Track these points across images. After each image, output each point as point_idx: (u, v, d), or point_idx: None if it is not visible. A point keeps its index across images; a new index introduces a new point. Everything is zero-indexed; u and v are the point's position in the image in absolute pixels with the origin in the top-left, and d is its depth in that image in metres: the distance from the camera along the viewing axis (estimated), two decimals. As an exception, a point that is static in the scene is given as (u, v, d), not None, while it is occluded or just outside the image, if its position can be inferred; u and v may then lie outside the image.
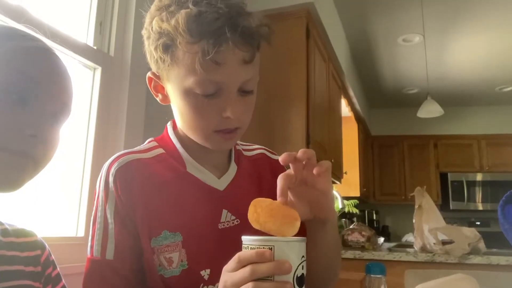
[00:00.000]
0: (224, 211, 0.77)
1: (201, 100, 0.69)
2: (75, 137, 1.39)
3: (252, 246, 0.55)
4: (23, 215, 1.19)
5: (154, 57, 0.72)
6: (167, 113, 1.81)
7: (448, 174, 5.26)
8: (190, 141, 0.78)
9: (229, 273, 0.55)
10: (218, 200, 0.77)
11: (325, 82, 2.84)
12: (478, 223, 5.11)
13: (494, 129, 5.32)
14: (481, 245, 2.22)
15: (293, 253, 0.53)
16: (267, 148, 0.95)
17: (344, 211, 4.09)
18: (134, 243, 0.72)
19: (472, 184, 5.20)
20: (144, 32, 0.75)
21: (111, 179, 0.72)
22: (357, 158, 4.49)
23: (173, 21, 0.66)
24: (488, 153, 5.26)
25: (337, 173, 3.29)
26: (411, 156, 5.43)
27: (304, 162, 0.64)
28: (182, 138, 0.80)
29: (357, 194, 4.43)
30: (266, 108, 2.31)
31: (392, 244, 3.45)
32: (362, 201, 4.77)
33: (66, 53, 1.34)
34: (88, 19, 1.48)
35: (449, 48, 3.97)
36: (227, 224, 0.77)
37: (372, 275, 0.70)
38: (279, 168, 0.83)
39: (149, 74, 0.77)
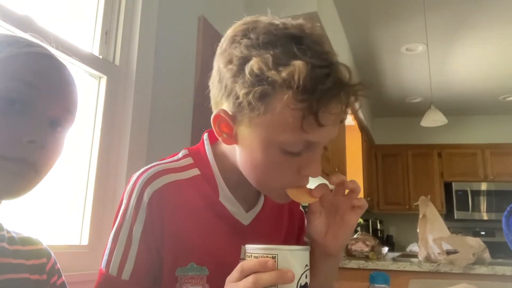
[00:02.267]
0: (243, 248, 0.70)
1: (284, 156, 0.64)
2: (80, 145, 1.40)
3: (256, 255, 0.55)
4: (27, 223, 1.20)
5: (238, 98, 0.63)
6: (171, 123, 1.83)
7: (453, 183, 5.23)
8: (228, 166, 0.73)
9: (232, 283, 0.55)
10: (241, 235, 0.74)
11: (328, 91, 2.84)
12: (483, 233, 5.07)
13: (498, 138, 5.30)
14: (486, 255, 2.20)
15: (296, 261, 0.53)
16: None
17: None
18: (153, 268, 0.69)
19: (476, 193, 5.17)
20: (223, 63, 0.68)
21: (145, 199, 0.69)
22: (360, 167, 4.49)
23: (284, 73, 0.58)
24: (492, 162, 5.24)
25: (341, 182, 3.29)
26: (415, 165, 5.41)
27: (347, 191, 0.67)
28: (219, 158, 0.75)
29: (361, 204, 4.41)
30: (270, 117, 2.31)
31: (396, 254, 3.42)
32: (366, 211, 4.70)
33: (71, 62, 1.35)
34: (94, 28, 1.49)
35: (452, 57, 3.97)
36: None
37: (376, 285, 0.70)
38: (296, 207, 0.87)
39: (220, 112, 0.68)
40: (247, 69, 0.61)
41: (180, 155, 0.78)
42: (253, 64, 0.60)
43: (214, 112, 0.70)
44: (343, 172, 3.41)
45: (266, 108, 0.61)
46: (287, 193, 0.66)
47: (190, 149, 0.79)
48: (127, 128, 1.49)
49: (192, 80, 1.91)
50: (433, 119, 3.53)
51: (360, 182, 4.42)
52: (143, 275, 0.69)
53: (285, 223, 0.85)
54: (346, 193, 0.71)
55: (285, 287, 0.52)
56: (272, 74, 0.59)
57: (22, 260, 0.62)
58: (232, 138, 0.68)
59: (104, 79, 1.47)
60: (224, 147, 0.74)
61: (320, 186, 0.68)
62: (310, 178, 0.69)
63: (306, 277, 0.54)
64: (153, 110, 1.61)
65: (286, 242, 0.83)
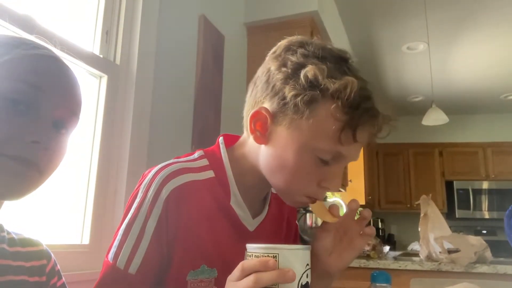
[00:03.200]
0: (246, 253, 0.75)
1: (314, 162, 0.67)
2: (81, 144, 1.40)
3: (256, 254, 0.55)
4: (29, 222, 1.20)
5: (284, 99, 0.66)
6: (172, 122, 1.83)
7: (454, 182, 5.23)
8: (243, 170, 0.76)
9: (233, 282, 0.55)
10: (246, 240, 0.73)
11: (329, 90, 2.84)
12: (484, 231, 5.06)
13: (500, 137, 5.29)
14: (488, 254, 2.20)
15: (297, 261, 0.53)
16: None
17: (349, 219, 4.07)
18: (160, 267, 0.69)
19: (478, 192, 5.17)
20: (275, 66, 0.71)
21: (164, 195, 0.69)
22: (362, 166, 4.49)
23: (337, 84, 0.63)
24: (494, 161, 5.23)
25: (342, 181, 3.28)
26: (416, 164, 5.41)
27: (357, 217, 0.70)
28: (235, 161, 0.77)
29: (362, 203, 4.41)
30: (271, 116, 2.31)
31: (397, 253, 3.42)
32: (367, 209, 4.74)
33: (72, 61, 1.35)
34: (94, 27, 1.49)
35: (453, 56, 3.97)
36: None
37: (377, 284, 0.69)
38: (293, 218, 0.92)
39: (261, 110, 0.70)
40: (302, 73, 0.65)
41: (196, 155, 0.79)
42: (309, 70, 0.65)
43: (255, 108, 0.72)
44: (344, 171, 3.41)
45: (310, 113, 0.65)
46: (311, 208, 0.69)
47: (205, 150, 0.80)
48: (127, 127, 1.49)
49: (193, 79, 1.91)
50: (435, 118, 3.53)
51: (361, 181, 4.43)
52: (150, 271, 0.68)
53: (284, 232, 0.88)
54: (356, 218, 0.74)
55: (286, 287, 0.52)
56: (326, 82, 0.64)
57: (21, 262, 0.62)
58: (265, 138, 0.71)
59: (104, 78, 1.47)
60: (243, 149, 0.77)
61: (336, 207, 0.70)
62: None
63: (307, 277, 0.54)
64: (153, 109, 1.61)
65: None
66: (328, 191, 0.71)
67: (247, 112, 0.74)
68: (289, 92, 0.66)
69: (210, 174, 0.75)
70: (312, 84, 0.64)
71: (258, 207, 0.80)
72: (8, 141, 0.52)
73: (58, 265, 0.71)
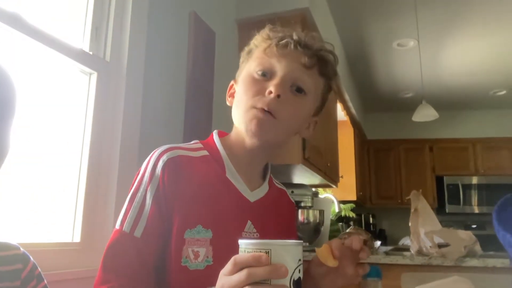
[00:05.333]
0: (249, 222, 0.83)
1: (252, 80, 0.84)
2: (71, 141, 1.39)
3: (249, 250, 0.55)
4: (18, 221, 1.19)
5: (240, 64, 0.92)
6: (163, 119, 1.82)
7: (444, 177, 5.28)
8: (233, 149, 0.86)
9: (226, 276, 0.56)
10: (246, 209, 0.84)
11: (320, 86, 2.85)
12: (474, 226, 5.12)
13: (489, 132, 5.35)
14: (477, 248, 2.22)
15: (289, 256, 0.54)
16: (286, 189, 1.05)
17: (341, 215, 4.09)
18: (163, 230, 0.76)
19: (467, 187, 5.22)
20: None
21: (160, 164, 0.78)
22: (353, 162, 4.51)
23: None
24: (483, 156, 5.29)
25: (333, 177, 3.30)
26: (407, 159, 5.45)
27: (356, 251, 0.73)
28: (226, 147, 0.87)
29: (354, 198, 4.44)
30: (262, 112, 2.31)
31: (388, 248, 3.45)
32: (359, 205, 4.78)
33: (62, 58, 1.34)
34: (84, 24, 1.48)
35: (443, 52, 4.00)
36: (249, 235, 0.82)
37: (368, 278, 0.70)
38: (293, 210, 1.02)
39: (231, 83, 0.95)
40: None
41: (191, 142, 0.89)
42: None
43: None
44: (336, 167, 3.42)
45: (250, 56, 0.88)
46: (316, 252, 0.71)
47: (200, 140, 0.90)
48: (118, 124, 1.48)
49: (184, 75, 1.90)
50: (425, 114, 3.56)
51: (352, 177, 4.46)
52: (154, 235, 0.76)
53: (283, 220, 0.94)
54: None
55: (279, 281, 0.52)
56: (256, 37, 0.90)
57: None
58: (233, 97, 0.89)
59: (94, 76, 1.45)
60: (231, 135, 0.88)
61: (338, 248, 0.71)
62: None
63: (299, 272, 0.54)
64: (144, 106, 1.60)
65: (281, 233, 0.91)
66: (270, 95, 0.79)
67: None
68: (241, 57, 0.89)
69: (204, 153, 0.85)
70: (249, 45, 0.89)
71: (256, 183, 0.88)
72: None
73: (38, 268, 0.70)
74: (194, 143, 0.88)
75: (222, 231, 0.78)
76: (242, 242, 0.56)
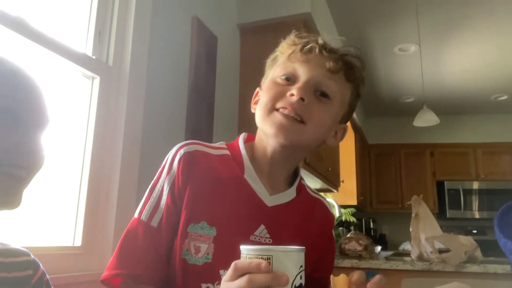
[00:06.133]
0: (262, 226, 0.80)
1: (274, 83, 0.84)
2: (73, 145, 1.39)
3: (250, 256, 0.55)
4: (19, 225, 1.19)
5: (265, 71, 0.90)
6: (165, 123, 1.83)
7: (445, 182, 5.27)
8: (256, 152, 0.85)
9: (227, 282, 0.56)
10: (261, 213, 0.81)
11: (322, 91, 2.85)
12: (475, 231, 5.11)
13: (490, 137, 5.34)
14: (478, 253, 2.22)
15: (291, 262, 0.54)
16: (327, 201, 0.98)
17: (341, 220, 4.09)
18: (175, 222, 0.78)
19: (468, 192, 5.21)
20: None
21: (177, 157, 0.80)
22: (354, 166, 4.51)
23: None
24: (484, 161, 5.28)
25: (334, 182, 3.30)
26: (407, 164, 5.44)
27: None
28: (250, 150, 0.86)
29: (354, 203, 4.43)
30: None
31: (389, 253, 3.44)
32: (359, 210, 4.77)
33: (65, 62, 1.35)
34: (87, 28, 1.49)
35: (444, 57, 4.00)
36: (259, 239, 0.80)
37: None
38: (329, 226, 0.95)
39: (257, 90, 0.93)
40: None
41: (217, 143, 0.90)
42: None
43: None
44: (336, 172, 3.42)
45: (274, 63, 0.86)
46: (332, 281, 0.65)
47: (226, 143, 0.91)
48: (120, 128, 1.48)
49: (186, 80, 1.91)
50: (426, 119, 3.56)
51: (353, 181, 4.45)
52: (167, 225, 0.78)
53: (311, 234, 0.87)
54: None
55: (280, 288, 0.52)
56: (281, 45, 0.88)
57: (3, 274, 0.61)
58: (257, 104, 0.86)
59: (97, 80, 1.46)
60: (255, 141, 0.86)
61: (360, 283, 0.63)
62: None
63: (300, 278, 0.55)
64: (146, 110, 1.61)
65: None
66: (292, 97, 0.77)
67: None
68: (267, 65, 0.88)
69: (225, 152, 0.85)
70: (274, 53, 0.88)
71: (278, 188, 0.85)
72: (4, 153, 0.58)
73: (46, 275, 0.70)
74: (219, 144, 0.89)
75: (228, 231, 0.77)
76: (243, 248, 0.56)
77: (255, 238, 0.79)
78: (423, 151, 5.43)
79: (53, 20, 1.35)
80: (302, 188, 0.90)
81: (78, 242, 1.35)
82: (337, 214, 3.43)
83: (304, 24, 2.42)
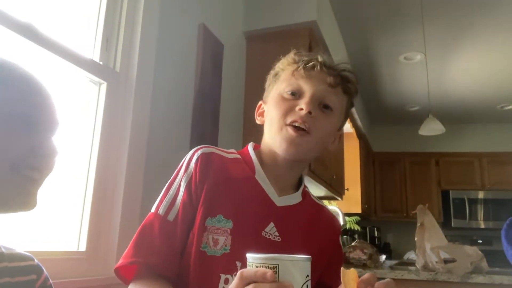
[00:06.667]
0: (271, 224, 0.86)
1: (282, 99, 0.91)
2: (79, 149, 1.40)
3: (256, 264, 0.55)
4: (24, 230, 1.19)
5: (267, 86, 0.97)
6: (170, 129, 1.83)
7: (450, 191, 5.24)
8: (265, 160, 0.91)
9: None
10: (271, 211, 0.87)
11: (327, 98, 2.86)
12: (480, 241, 5.07)
13: (496, 147, 5.32)
14: (484, 264, 2.20)
15: (297, 272, 0.54)
16: (330, 210, 1.05)
17: (346, 228, 4.07)
18: (190, 217, 0.83)
19: (473, 202, 5.18)
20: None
21: (194, 158, 0.87)
22: (358, 174, 4.49)
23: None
24: (489, 171, 5.25)
25: (339, 189, 3.29)
26: (412, 173, 5.42)
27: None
28: (259, 155, 0.93)
29: (359, 211, 4.41)
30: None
31: (393, 262, 3.42)
32: (364, 218, 4.75)
33: (72, 68, 1.36)
34: (95, 35, 1.50)
35: (450, 66, 4.00)
36: (269, 236, 0.85)
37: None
38: (336, 232, 0.99)
39: (259, 103, 1.00)
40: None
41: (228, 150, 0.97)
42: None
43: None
44: (341, 179, 3.42)
45: (276, 79, 0.93)
46: (342, 274, 0.65)
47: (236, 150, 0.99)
48: (126, 133, 1.49)
49: (192, 86, 1.92)
50: (431, 128, 3.55)
51: (358, 189, 4.44)
52: (183, 220, 0.83)
53: (316, 239, 0.91)
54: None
55: (285, 298, 0.52)
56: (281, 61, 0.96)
57: (7, 278, 0.61)
58: (263, 117, 0.94)
59: (104, 85, 1.47)
60: (263, 150, 0.93)
61: (370, 283, 0.64)
62: None
63: (307, 287, 0.54)
64: (152, 115, 1.61)
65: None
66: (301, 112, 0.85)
67: None
68: (268, 80, 0.96)
69: (237, 156, 0.93)
70: (275, 69, 0.95)
71: (286, 191, 0.92)
72: (23, 155, 0.60)
73: (50, 280, 0.71)
74: (230, 150, 0.96)
75: (243, 223, 0.83)
76: (250, 256, 0.56)
77: (265, 234, 0.84)
78: (428, 160, 5.41)
79: (61, 26, 1.36)
80: (306, 194, 0.97)
81: (82, 247, 1.35)
82: (341, 222, 3.42)
83: (309, 32, 2.42)
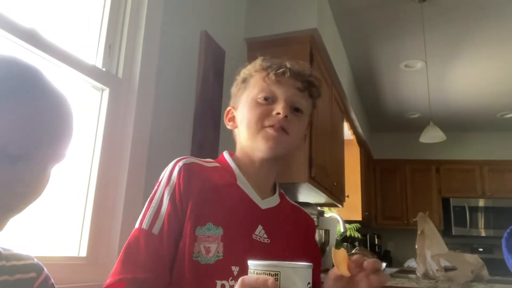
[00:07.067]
0: (260, 227, 0.89)
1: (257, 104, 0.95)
2: (81, 156, 1.40)
3: (258, 271, 0.55)
4: (25, 235, 1.20)
5: (235, 92, 1.02)
6: (172, 135, 1.84)
7: (450, 199, 5.24)
8: (243, 165, 0.95)
9: None
10: (257, 215, 0.90)
11: (328, 105, 2.87)
12: (481, 249, 5.06)
13: (496, 155, 5.32)
14: (485, 272, 2.19)
15: (299, 279, 0.54)
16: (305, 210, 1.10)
17: (346, 235, 4.06)
18: (177, 228, 0.83)
19: (474, 209, 5.17)
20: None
21: (176, 169, 0.87)
22: (359, 181, 4.49)
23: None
24: (490, 179, 5.24)
25: (339, 196, 3.29)
26: (413, 180, 5.42)
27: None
28: (235, 161, 0.97)
29: (359, 218, 4.40)
30: (270, 130, 2.32)
31: (394, 270, 3.41)
32: (364, 225, 4.73)
33: (75, 74, 1.37)
34: (97, 41, 1.51)
35: (450, 74, 4.01)
36: (259, 238, 0.88)
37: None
38: (313, 230, 1.06)
39: (228, 109, 1.04)
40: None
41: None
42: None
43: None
44: (342, 186, 3.41)
45: (246, 85, 0.98)
46: (333, 254, 0.74)
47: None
48: (128, 140, 1.49)
49: (193, 93, 1.93)
50: (432, 135, 3.55)
51: (358, 196, 4.43)
52: (169, 232, 0.82)
53: (299, 237, 0.98)
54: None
55: (287, 304, 0.52)
56: (245, 68, 1.01)
57: (5, 277, 0.61)
58: (235, 122, 0.99)
59: (106, 91, 1.48)
60: (238, 155, 0.97)
61: (356, 262, 0.74)
62: None
63: (307, 294, 0.54)
64: (154, 122, 1.62)
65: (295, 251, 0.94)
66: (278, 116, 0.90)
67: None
68: (235, 87, 1.02)
69: (216, 164, 0.95)
70: (242, 75, 1.00)
71: (266, 194, 0.96)
72: None
73: (51, 279, 0.70)
74: (207, 159, 0.97)
75: (233, 229, 0.84)
76: (251, 263, 0.57)
77: (256, 237, 0.87)
78: (429, 168, 5.40)
79: (64, 33, 1.37)
80: (283, 196, 1.02)
81: (83, 253, 1.35)
82: (341, 229, 3.41)
83: (310, 40, 2.44)
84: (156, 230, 0.82)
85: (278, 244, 0.89)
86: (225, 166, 0.95)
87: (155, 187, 0.88)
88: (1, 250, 0.64)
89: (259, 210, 0.91)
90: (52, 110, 0.61)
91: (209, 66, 2.02)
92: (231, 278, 0.81)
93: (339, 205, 3.44)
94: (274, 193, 0.99)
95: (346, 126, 3.84)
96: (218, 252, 0.81)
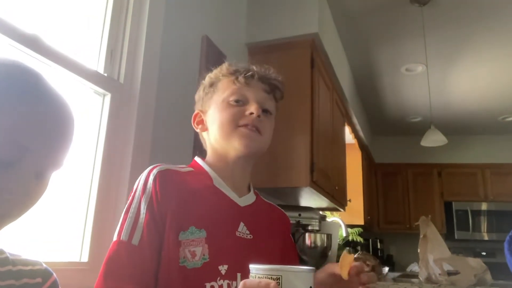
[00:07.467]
0: (242, 224, 0.91)
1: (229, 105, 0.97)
2: (82, 161, 1.41)
3: (259, 275, 0.55)
4: (26, 240, 1.20)
5: (200, 96, 1.06)
6: (173, 140, 1.84)
7: (453, 203, 5.22)
8: (216, 166, 0.96)
9: None
10: (238, 213, 0.92)
11: (329, 109, 2.87)
12: (484, 253, 5.03)
13: (498, 158, 5.31)
14: (488, 276, 2.18)
15: (300, 283, 0.54)
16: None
17: (348, 240, 4.05)
18: (158, 236, 0.82)
19: (477, 213, 5.15)
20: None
21: (151, 177, 0.86)
22: (361, 185, 4.48)
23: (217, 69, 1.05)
24: (492, 182, 5.23)
25: (341, 201, 3.28)
26: (415, 184, 5.40)
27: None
28: (208, 164, 0.98)
29: (361, 222, 4.39)
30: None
31: (396, 274, 3.40)
32: (366, 229, 4.72)
33: (77, 79, 1.37)
34: (99, 47, 1.52)
35: (451, 77, 4.01)
36: (242, 235, 0.90)
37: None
38: (288, 225, 1.10)
39: (195, 113, 1.07)
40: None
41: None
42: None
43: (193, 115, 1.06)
44: (343, 191, 3.41)
45: (214, 88, 1.01)
46: (341, 257, 0.79)
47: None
48: (129, 144, 1.50)
49: (194, 97, 1.93)
50: (433, 139, 3.54)
51: (360, 201, 4.42)
52: (150, 241, 0.81)
53: (277, 233, 1.02)
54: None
55: (289, 309, 0.52)
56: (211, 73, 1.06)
57: (11, 281, 0.61)
58: (204, 125, 1.01)
59: (108, 97, 1.48)
60: (210, 158, 0.99)
61: (357, 268, 0.80)
62: None
63: (310, 299, 0.54)
64: (155, 127, 1.62)
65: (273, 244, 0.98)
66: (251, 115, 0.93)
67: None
68: (201, 91, 1.05)
69: (190, 169, 0.96)
70: (208, 80, 1.04)
71: (243, 192, 0.98)
72: None
73: (59, 285, 0.70)
74: (181, 165, 0.98)
75: (216, 230, 0.85)
76: (253, 267, 0.56)
77: (239, 234, 0.89)
78: (431, 171, 5.39)
79: (66, 38, 1.38)
80: (257, 194, 1.05)
81: (85, 258, 1.35)
82: (344, 234, 3.40)
83: (311, 44, 2.44)
84: (135, 240, 0.81)
85: (260, 239, 0.91)
86: (200, 170, 0.96)
87: (130, 198, 0.87)
88: (9, 255, 0.64)
89: (238, 208, 0.93)
90: (51, 115, 0.60)
91: (210, 70, 2.02)
92: (219, 278, 0.82)
93: (341, 209, 3.43)
94: (250, 191, 1.01)
95: (347, 130, 3.84)
96: (204, 255, 0.82)
